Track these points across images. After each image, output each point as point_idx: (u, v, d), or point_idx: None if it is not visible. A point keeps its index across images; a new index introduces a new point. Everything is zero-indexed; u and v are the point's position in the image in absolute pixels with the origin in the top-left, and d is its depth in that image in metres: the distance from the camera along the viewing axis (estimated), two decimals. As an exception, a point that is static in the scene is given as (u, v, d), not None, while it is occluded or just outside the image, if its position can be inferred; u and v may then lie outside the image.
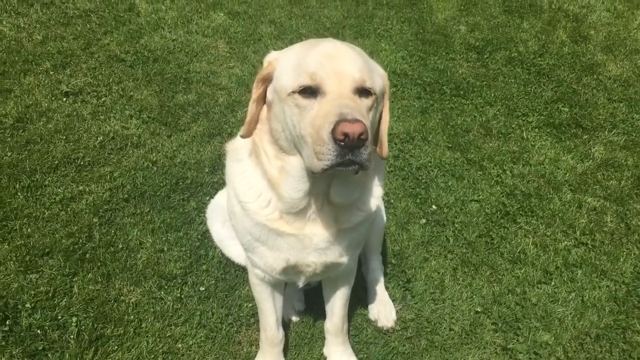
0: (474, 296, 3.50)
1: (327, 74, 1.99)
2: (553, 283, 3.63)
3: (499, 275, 3.65)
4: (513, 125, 5.12)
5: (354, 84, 2.02)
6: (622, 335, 3.34)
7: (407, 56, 5.97)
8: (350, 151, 1.86)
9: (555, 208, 4.22)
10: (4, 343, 2.94)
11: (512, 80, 5.77)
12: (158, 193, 4.00)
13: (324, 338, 3.09)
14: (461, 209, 4.14)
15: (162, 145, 4.45)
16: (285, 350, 3.07)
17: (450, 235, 3.90)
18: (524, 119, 5.22)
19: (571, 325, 3.37)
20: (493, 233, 3.96)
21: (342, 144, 1.84)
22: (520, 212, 4.16)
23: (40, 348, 2.95)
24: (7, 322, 3.03)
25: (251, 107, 2.21)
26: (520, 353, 3.19)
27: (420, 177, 4.40)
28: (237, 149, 2.44)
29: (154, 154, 4.34)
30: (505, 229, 4.01)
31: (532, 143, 4.91)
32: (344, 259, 2.54)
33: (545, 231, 4.02)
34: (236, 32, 6.04)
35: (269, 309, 2.85)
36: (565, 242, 3.94)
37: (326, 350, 3.08)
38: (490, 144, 4.85)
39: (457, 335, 3.27)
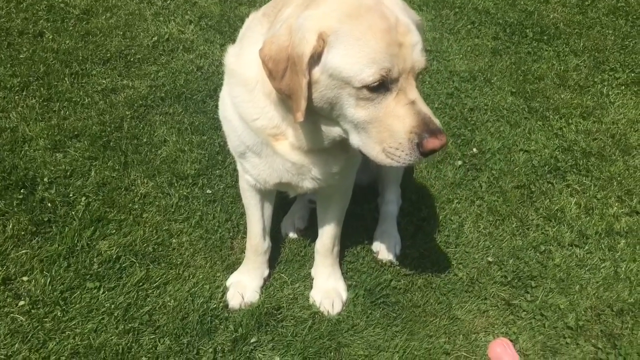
0: (491, 246, 3.23)
1: (400, 68, 1.86)
2: (587, 247, 3.26)
3: (526, 230, 3.34)
4: (595, 79, 4.59)
5: (418, 73, 1.95)
6: (651, 315, 2.96)
7: (495, -7, 5.49)
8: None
9: (616, 171, 3.76)
10: (16, 209, 3.10)
11: (610, 32, 5.16)
12: (194, 97, 4.01)
13: (317, 259, 2.99)
14: (506, 156, 3.80)
15: (212, 52, 4.43)
16: (274, 262, 3.01)
17: (484, 181, 3.60)
18: (610, 73, 4.66)
19: (593, 294, 3.02)
20: (534, 186, 3.61)
21: (425, 155, 1.89)
22: (573, 170, 3.75)
23: (46, 219, 3.09)
24: (22, 191, 3.19)
25: (305, 90, 1.87)
26: (524, 311, 2.91)
27: (470, 119, 4.07)
28: (247, 79, 2.16)
29: (201, 60, 4.34)
30: (550, 184, 3.63)
31: (612, 100, 4.38)
32: (339, 180, 2.44)
33: (596, 193, 3.60)
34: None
35: (256, 217, 2.78)
36: (617, 209, 3.51)
37: (314, 271, 2.97)
38: (562, 95, 4.38)
39: (459, 281, 3.04)
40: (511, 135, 3.98)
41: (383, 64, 1.82)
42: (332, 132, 2.08)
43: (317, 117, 2.04)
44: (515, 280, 3.06)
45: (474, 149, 3.81)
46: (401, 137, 1.90)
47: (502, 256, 3.18)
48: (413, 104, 1.90)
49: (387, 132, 1.91)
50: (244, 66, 2.19)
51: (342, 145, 2.17)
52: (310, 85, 1.90)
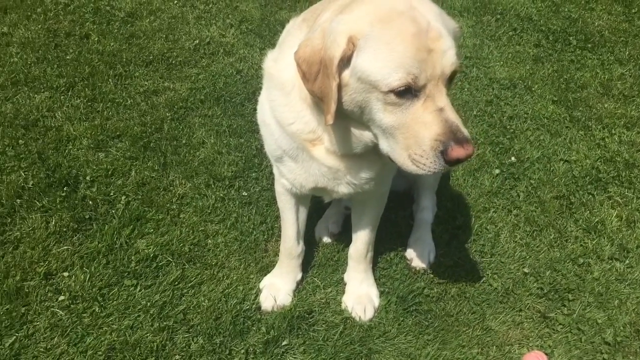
0: (528, 257, 3.18)
1: (429, 74, 1.84)
2: (627, 262, 3.18)
3: (564, 241, 3.27)
4: (641, 89, 4.47)
5: (448, 78, 1.91)
6: (694, 334, 2.87)
7: (538, 0, 5.40)
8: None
9: (660, 184, 3.66)
10: (58, 206, 3.20)
11: (658, 41, 5.02)
12: (233, 99, 4.06)
13: (350, 264, 3.00)
14: (545, 166, 3.73)
15: (252, 56, 4.49)
16: (307, 266, 3.03)
17: (522, 191, 3.55)
18: (657, 83, 4.54)
19: (633, 310, 2.94)
20: (574, 197, 3.53)
21: (451, 164, 1.86)
22: (615, 181, 3.66)
23: (87, 217, 3.17)
24: (65, 189, 3.29)
25: (335, 93, 1.89)
26: (560, 325, 2.86)
27: (509, 127, 4.02)
28: (284, 82, 2.20)
29: (241, 63, 4.40)
30: (590, 196, 3.55)
31: (658, 111, 4.27)
32: (375, 186, 2.44)
33: (638, 206, 3.50)
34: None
35: (290, 221, 2.80)
36: (660, 223, 3.42)
37: (346, 276, 2.98)
38: (606, 105, 4.29)
39: (494, 291, 3.00)
40: (551, 144, 3.91)
41: (410, 69, 1.81)
42: (363, 136, 2.09)
43: (349, 121, 2.05)
44: (552, 293, 3.01)
45: (513, 158, 3.76)
46: (425, 144, 1.87)
47: (539, 268, 3.12)
48: (441, 111, 1.88)
49: (413, 138, 1.89)
50: (281, 70, 2.22)
51: (377, 150, 2.17)
52: (340, 88, 1.91)
